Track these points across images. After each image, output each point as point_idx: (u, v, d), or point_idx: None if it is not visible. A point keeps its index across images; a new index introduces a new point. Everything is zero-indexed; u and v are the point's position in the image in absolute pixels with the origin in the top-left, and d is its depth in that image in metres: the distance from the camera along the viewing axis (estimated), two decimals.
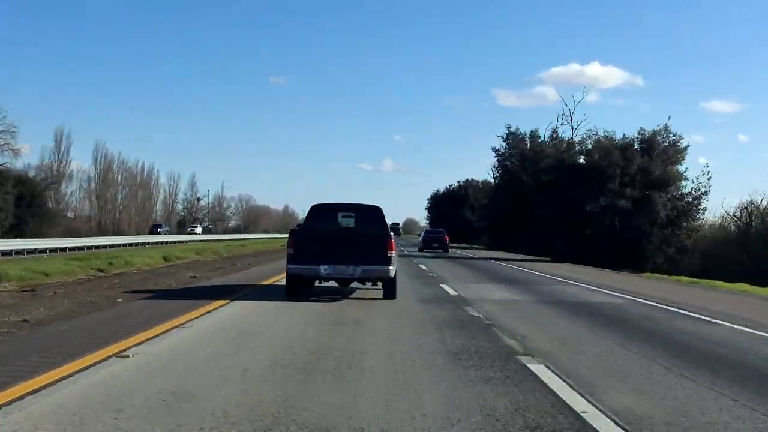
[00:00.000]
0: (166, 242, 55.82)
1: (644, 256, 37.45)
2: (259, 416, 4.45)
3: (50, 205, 67.58)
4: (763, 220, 40.25)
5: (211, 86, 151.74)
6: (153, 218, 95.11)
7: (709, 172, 39.59)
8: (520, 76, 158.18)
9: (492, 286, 17.29)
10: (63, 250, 39.79)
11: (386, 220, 13.66)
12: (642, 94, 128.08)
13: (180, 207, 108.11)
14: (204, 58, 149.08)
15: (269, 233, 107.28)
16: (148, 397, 4.91)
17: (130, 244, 50.26)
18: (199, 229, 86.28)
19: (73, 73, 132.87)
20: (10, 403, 4.66)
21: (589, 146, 41.55)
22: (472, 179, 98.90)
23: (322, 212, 13.34)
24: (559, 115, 77.17)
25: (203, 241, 60.89)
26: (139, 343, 7.13)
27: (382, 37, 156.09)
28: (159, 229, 71.78)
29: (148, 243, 53.46)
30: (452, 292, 14.82)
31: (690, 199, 39.19)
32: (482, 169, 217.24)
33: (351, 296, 13.20)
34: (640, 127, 40.91)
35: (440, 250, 42.07)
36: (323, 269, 12.07)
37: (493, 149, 64.71)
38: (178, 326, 8.48)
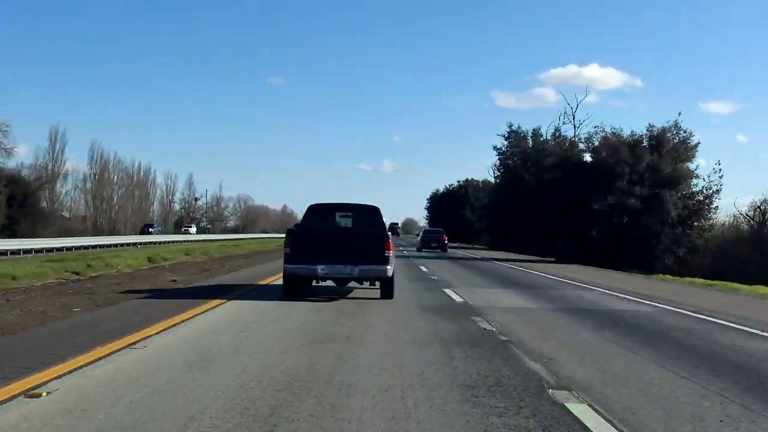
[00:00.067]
0: (159, 242, 54.24)
1: (653, 256, 35.92)
2: None
3: (44, 205, 66.43)
4: None
5: (211, 86, 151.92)
6: (150, 218, 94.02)
7: (720, 170, 37.98)
8: (520, 77, 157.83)
9: (500, 291, 15.75)
10: (50, 250, 38.25)
11: (384, 219, 13.42)
12: (641, 95, 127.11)
13: (177, 207, 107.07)
14: (203, 58, 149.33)
15: (268, 233, 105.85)
16: None
17: (122, 245, 48.74)
18: (193, 229, 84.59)
19: (73, 73, 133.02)
20: None
21: (596, 143, 39.87)
22: (472, 179, 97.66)
23: (319, 212, 13.32)
24: (561, 114, 75.58)
25: (197, 241, 59.33)
26: (65, 374, 5.59)
27: (382, 37, 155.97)
28: (151, 229, 70.12)
29: (141, 243, 51.91)
30: (457, 299, 13.28)
31: (701, 198, 37.63)
32: (482, 169, 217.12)
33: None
34: (649, 124, 39.48)
35: (439, 250, 41.40)
36: (320, 269, 11.98)
37: (495, 147, 63.39)
38: (128, 346, 6.94)
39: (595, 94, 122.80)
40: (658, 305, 13.50)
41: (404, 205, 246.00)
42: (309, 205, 13.58)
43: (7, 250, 34.37)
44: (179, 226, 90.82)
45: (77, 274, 19.89)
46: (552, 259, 38.65)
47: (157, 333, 7.85)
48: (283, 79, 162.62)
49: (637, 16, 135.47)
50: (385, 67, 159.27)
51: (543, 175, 49.97)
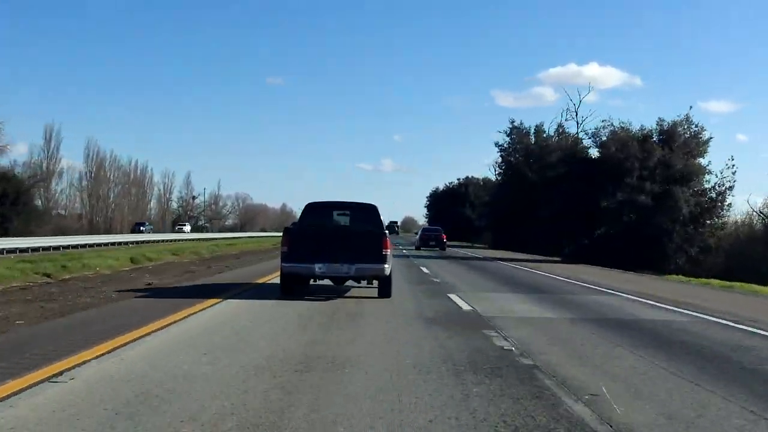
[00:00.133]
0: (151, 241, 52.58)
1: (664, 256, 34.32)
2: None
3: (39, 204, 65.07)
4: None
5: (211, 86, 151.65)
6: (147, 216, 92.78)
7: (734, 165, 36.28)
8: (520, 77, 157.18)
9: (511, 296, 14.17)
10: (36, 250, 36.61)
11: (381, 218, 13.22)
12: (640, 94, 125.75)
13: (175, 205, 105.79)
14: (203, 58, 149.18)
15: (266, 232, 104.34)
16: None
17: (113, 244, 47.12)
18: (187, 228, 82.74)
19: (73, 72, 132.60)
20: None
21: (604, 138, 38.13)
22: (472, 176, 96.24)
23: (316, 210, 13.25)
24: (563, 110, 74.37)
25: (190, 240, 57.66)
26: None
27: (382, 37, 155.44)
28: (142, 228, 68.43)
29: (132, 242, 50.26)
30: (464, 306, 11.71)
31: (714, 195, 35.97)
32: (481, 168, 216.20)
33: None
34: (659, 118, 37.81)
35: (437, 248, 41.98)
36: (318, 267, 11.91)
37: (496, 144, 61.94)
38: (47, 379, 5.36)
39: (594, 93, 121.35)
40: (691, 313, 11.92)
41: (404, 204, 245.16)
42: (307, 203, 13.45)
43: None
44: (176, 225, 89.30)
45: (48, 276, 18.29)
46: (557, 259, 37.12)
47: (95, 358, 6.27)
48: (283, 78, 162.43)
49: (637, 16, 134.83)
50: (385, 67, 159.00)
51: (546, 172, 48.51)
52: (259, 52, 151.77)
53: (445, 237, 44.71)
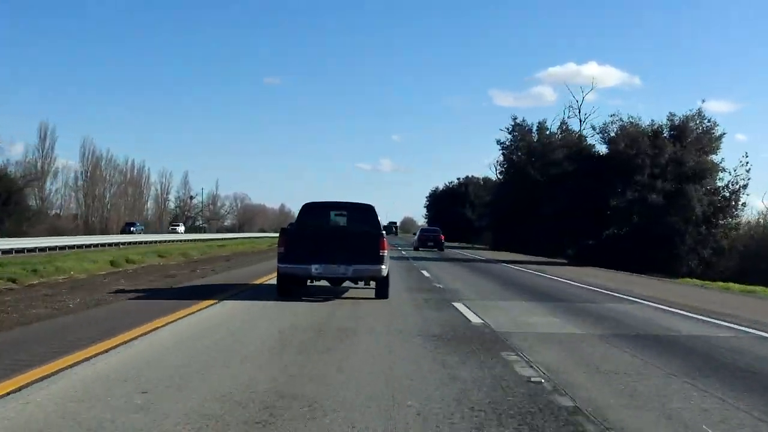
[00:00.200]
0: (141, 242, 50.91)
1: (676, 257, 32.68)
2: None
3: (32, 203, 63.60)
4: None
5: (210, 86, 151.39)
6: (144, 216, 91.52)
7: (748, 162, 34.54)
8: (519, 77, 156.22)
9: (523, 305, 12.58)
10: (21, 251, 34.93)
11: (379, 218, 13.04)
12: (640, 94, 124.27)
13: (172, 205, 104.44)
14: (203, 58, 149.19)
15: (265, 232, 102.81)
16: None
17: (102, 244, 45.47)
18: (181, 228, 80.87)
19: (73, 72, 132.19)
20: None
21: (612, 134, 36.42)
22: (472, 176, 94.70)
23: (314, 211, 13.09)
24: (566, 107, 72.97)
25: (182, 241, 56.04)
26: None
27: (381, 37, 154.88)
28: (132, 228, 66.63)
29: (123, 243, 48.62)
30: (474, 319, 10.12)
31: (727, 194, 34.32)
32: (481, 168, 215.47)
33: (324, 334, 8.46)
34: (670, 113, 36.16)
35: (435, 249, 42.06)
36: (314, 268, 11.79)
37: (498, 142, 60.31)
38: None
39: (593, 93, 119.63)
40: (731, 325, 10.36)
41: (403, 204, 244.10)
42: (304, 203, 13.28)
43: None
44: (170, 225, 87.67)
45: (14, 281, 16.73)
46: (562, 261, 35.56)
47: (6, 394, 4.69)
48: (282, 78, 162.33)
49: (637, 16, 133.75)
50: (384, 66, 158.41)
51: (550, 170, 47.02)
52: (258, 52, 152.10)
53: (443, 237, 45.03)
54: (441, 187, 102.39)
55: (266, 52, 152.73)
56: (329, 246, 11.94)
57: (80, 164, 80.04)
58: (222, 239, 63.26)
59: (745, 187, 34.23)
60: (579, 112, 56.55)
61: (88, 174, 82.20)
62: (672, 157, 33.26)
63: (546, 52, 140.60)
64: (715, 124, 35.22)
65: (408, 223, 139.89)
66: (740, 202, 34.56)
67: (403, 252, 37.90)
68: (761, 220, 36.80)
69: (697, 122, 34.90)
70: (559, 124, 57.51)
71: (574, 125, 56.68)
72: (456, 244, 65.70)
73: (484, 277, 20.72)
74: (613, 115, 36.68)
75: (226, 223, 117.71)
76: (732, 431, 4.60)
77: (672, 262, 32.25)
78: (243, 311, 10.36)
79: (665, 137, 34.54)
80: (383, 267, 11.96)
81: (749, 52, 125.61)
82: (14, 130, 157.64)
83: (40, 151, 71.10)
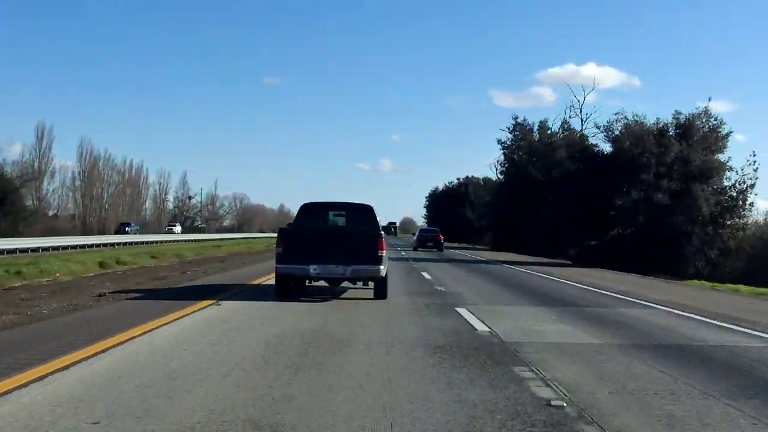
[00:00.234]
0: (135, 243, 50.12)
1: (683, 258, 31.90)
2: None
3: (29, 203, 62.92)
4: None
5: (210, 86, 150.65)
6: (142, 216, 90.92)
7: (755, 161, 33.78)
8: (519, 77, 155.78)
9: (531, 310, 11.81)
10: (12, 252, 34.30)
11: (377, 218, 12.99)
12: (639, 94, 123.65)
13: (171, 205, 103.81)
14: (203, 58, 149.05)
15: (264, 232, 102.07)
16: None
17: (96, 245, 44.79)
18: (178, 228, 79.96)
19: (73, 72, 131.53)
20: None
21: (617, 132, 35.57)
22: (472, 176, 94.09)
23: (312, 211, 13.03)
24: (567, 107, 72.24)
25: (178, 241, 55.28)
26: None
27: (381, 37, 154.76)
28: (127, 228, 65.75)
29: (117, 244, 47.85)
30: (479, 326, 9.33)
31: (734, 194, 33.53)
32: (481, 169, 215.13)
33: (315, 345, 7.67)
34: (675, 111, 35.45)
35: (435, 249, 42.24)
36: (313, 269, 11.70)
37: (499, 141, 59.62)
38: None
39: (593, 94, 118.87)
40: (759, 334, 9.59)
41: (403, 204, 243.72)
42: (302, 203, 13.22)
43: None
44: (167, 225, 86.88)
45: None
46: (566, 262, 34.79)
47: None
48: (282, 78, 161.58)
49: (637, 16, 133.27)
50: (384, 66, 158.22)
51: (552, 170, 46.29)
52: (258, 52, 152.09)
53: (442, 238, 45.15)
54: (441, 187, 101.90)
55: (266, 52, 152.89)
56: (327, 246, 11.84)
57: (78, 164, 79.62)
58: (219, 239, 62.46)
59: (752, 186, 33.50)
60: (580, 111, 55.91)
61: (86, 174, 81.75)
62: (678, 156, 32.49)
63: (545, 53, 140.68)
64: (722, 123, 34.54)
65: (407, 224, 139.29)
66: (747, 202, 33.84)
67: (403, 253, 37.15)
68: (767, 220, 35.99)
69: (704, 120, 34.15)
70: (560, 123, 56.87)
71: (575, 125, 56.05)
72: (456, 245, 64.99)
73: (487, 280, 19.95)
74: (618, 113, 35.48)
75: (225, 224, 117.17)
76: None
77: (678, 263, 31.49)
78: (231, 316, 9.58)
79: (671, 136, 33.76)
80: (382, 267, 11.87)
81: (749, 52, 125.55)
82: (14, 130, 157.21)
83: (38, 151, 70.57)
